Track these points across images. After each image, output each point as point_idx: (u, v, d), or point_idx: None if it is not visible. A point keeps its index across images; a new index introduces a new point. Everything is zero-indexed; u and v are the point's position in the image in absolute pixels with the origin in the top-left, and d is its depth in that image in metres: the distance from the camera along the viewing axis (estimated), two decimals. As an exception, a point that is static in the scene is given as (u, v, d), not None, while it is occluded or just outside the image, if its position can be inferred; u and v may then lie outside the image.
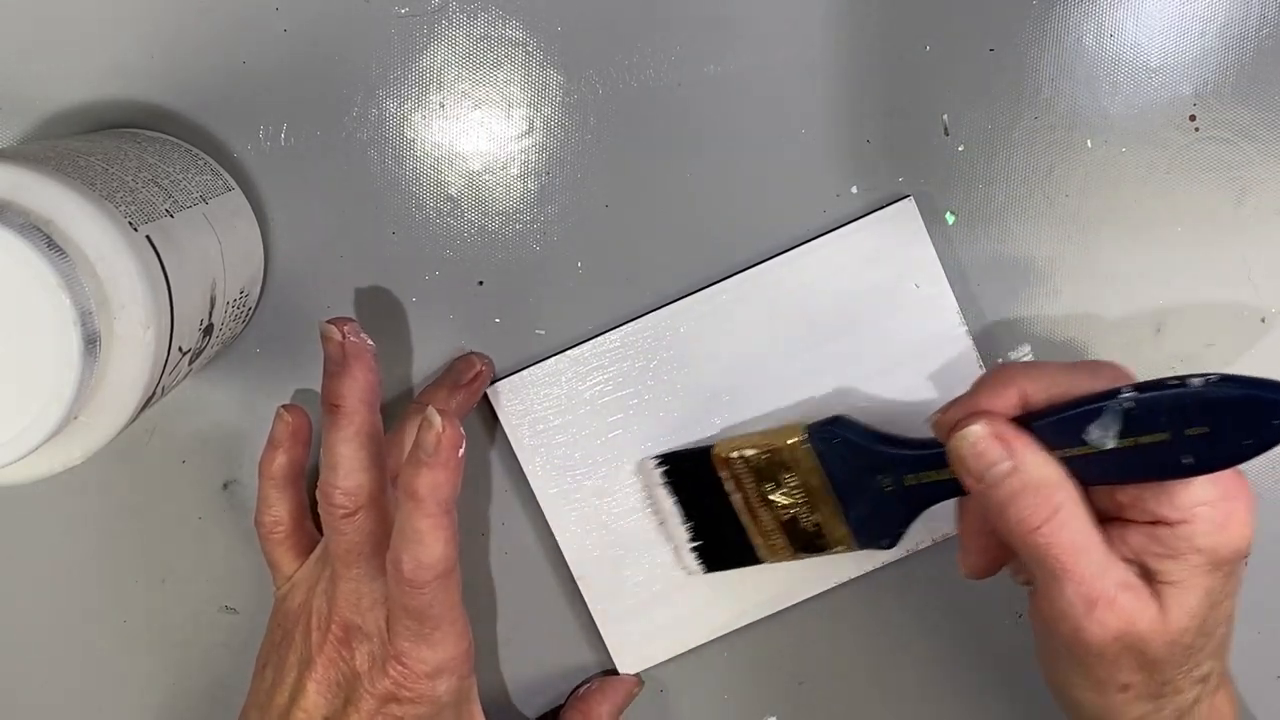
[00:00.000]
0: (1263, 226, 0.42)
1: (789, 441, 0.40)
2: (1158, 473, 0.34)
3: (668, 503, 0.42)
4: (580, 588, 0.44)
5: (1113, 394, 0.34)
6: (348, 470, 0.38)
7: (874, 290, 0.42)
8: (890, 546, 0.40)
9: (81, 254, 0.31)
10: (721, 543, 0.42)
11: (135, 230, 0.32)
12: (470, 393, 0.42)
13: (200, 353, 0.37)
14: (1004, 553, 0.38)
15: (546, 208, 0.43)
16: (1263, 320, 0.43)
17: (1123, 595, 0.34)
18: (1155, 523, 0.34)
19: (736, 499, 0.41)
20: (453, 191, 0.43)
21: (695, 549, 0.43)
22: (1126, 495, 0.35)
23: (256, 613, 0.45)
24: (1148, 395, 0.33)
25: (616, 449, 0.43)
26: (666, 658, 0.44)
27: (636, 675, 0.45)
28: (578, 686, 0.45)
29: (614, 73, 0.42)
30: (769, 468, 0.40)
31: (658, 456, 0.43)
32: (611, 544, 0.44)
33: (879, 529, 0.40)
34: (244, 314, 0.41)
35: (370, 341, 0.38)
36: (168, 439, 0.44)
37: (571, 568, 0.44)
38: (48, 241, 0.30)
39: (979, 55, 0.42)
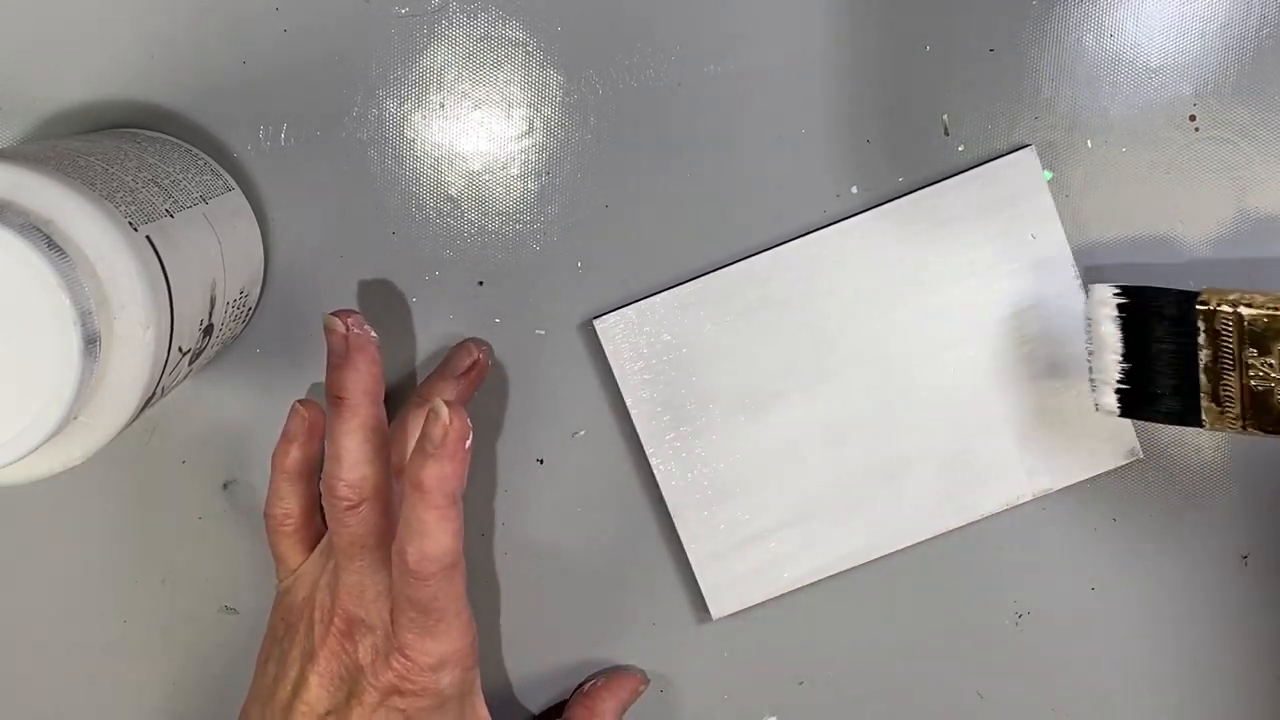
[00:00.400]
0: (1263, 227, 0.42)
1: None
2: None
3: (1113, 335, 0.40)
4: (676, 525, 0.43)
5: None
6: (352, 463, 0.38)
7: (991, 238, 0.42)
8: None
9: (81, 254, 0.31)
10: (1158, 393, 0.39)
11: (135, 230, 0.32)
12: (469, 382, 0.42)
13: (200, 353, 0.37)
14: None
15: (546, 208, 0.43)
16: (1263, 320, 0.43)
17: None
18: None
19: (1205, 354, 0.38)
20: (453, 191, 0.43)
21: (1121, 391, 0.40)
22: None
23: (256, 613, 0.45)
24: None
25: (721, 389, 0.43)
26: (762, 599, 0.44)
27: (641, 673, 0.45)
28: (583, 683, 0.45)
29: (614, 73, 0.42)
30: (1265, 333, 0.37)
31: (1120, 287, 0.40)
32: (709, 485, 0.43)
33: None
34: (244, 314, 0.41)
35: (374, 333, 0.39)
36: (168, 439, 0.44)
37: (669, 505, 0.43)
38: (48, 241, 0.30)
39: (979, 55, 0.42)
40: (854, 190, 0.42)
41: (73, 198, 0.31)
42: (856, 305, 0.42)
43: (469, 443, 0.36)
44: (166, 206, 0.35)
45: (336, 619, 0.38)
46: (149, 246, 0.32)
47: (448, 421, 0.35)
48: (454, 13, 0.41)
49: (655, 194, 0.42)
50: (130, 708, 0.46)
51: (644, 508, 0.44)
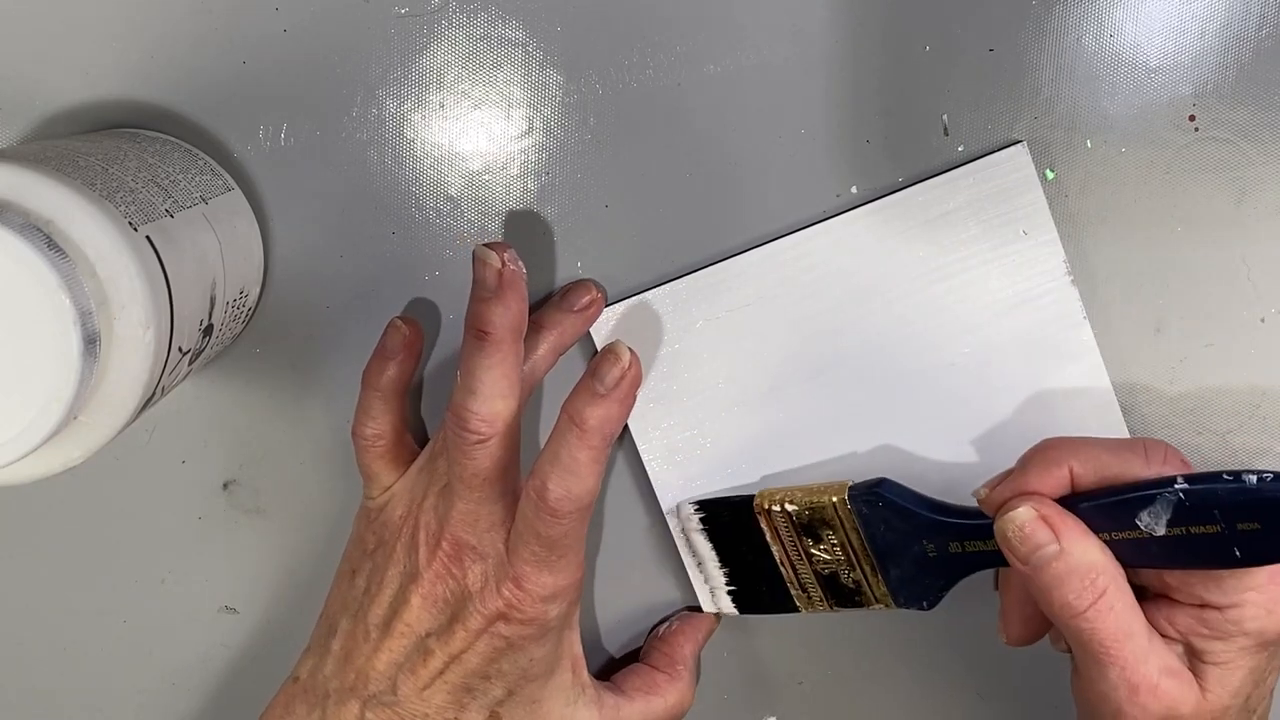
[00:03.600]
0: (1263, 226, 0.42)
1: (831, 500, 0.40)
2: (1206, 562, 0.34)
3: (705, 547, 0.43)
4: (668, 522, 0.44)
5: (1166, 482, 0.34)
6: (487, 396, 0.37)
7: (982, 235, 0.42)
8: (930, 608, 0.40)
9: (81, 254, 0.31)
10: (758, 589, 0.43)
11: (135, 230, 0.32)
12: (584, 319, 0.42)
13: (200, 353, 0.37)
14: (1045, 623, 0.39)
15: (546, 208, 0.43)
16: (1262, 320, 0.43)
17: (1165, 681, 0.34)
18: (1203, 606, 0.35)
19: (775, 550, 0.41)
20: (453, 191, 0.43)
21: (731, 592, 0.43)
22: (1174, 578, 0.35)
23: (256, 613, 0.45)
24: (1201, 488, 0.33)
25: (715, 385, 0.43)
26: None
27: (715, 613, 0.44)
28: (657, 625, 0.45)
29: (614, 73, 0.42)
30: (810, 523, 0.40)
31: (696, 502, 0.43)
32: (702, 480, 0.43)
33: (919, 591, 0.40)
34: (244, 314, 0.41)
35: (524, 270, 0.38)
36: (168, 439, 0.44)
37: (659, 502, 0.43)
38: (48, 242, 0.30)
39: (979, 55, 0.42)
40: (854, 190, 0.42)
41: (73, 198, 0.31)
42: (850, 301, 0.42)
43: (638, 391, 0.36)
44: (166, 206, 0.35)
45: (445, 543, 0.38)
46: (149, 246, 0.32)
47: (627, 366, 0.36)
48: (454, 13, 0.41)
49: (655, 194, 0.42)
50: (130, 708, 0.46)
51: (644, 507, 0.44)
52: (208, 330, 0.37)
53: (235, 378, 0.43)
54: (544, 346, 0.41)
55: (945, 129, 0.42)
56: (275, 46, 0.41)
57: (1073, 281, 0.42)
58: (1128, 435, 0.43)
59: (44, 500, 0.44)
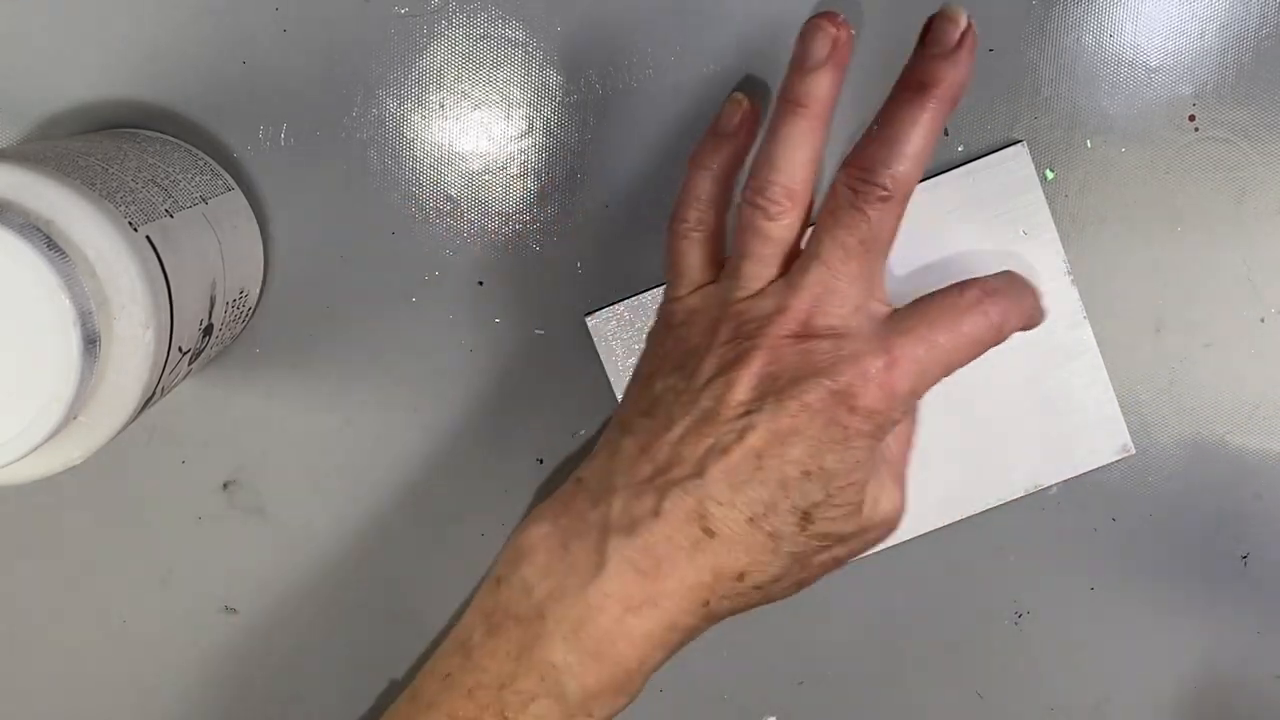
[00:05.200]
0: (1263, 226, 0.42)
1: None
2: None
3: None
4: None
5: None
6: (906, 153, 0.35)
7: (981, 233, 0.42)
8: None
9: (81, 254, 0.31)
10: None
11: (135, 230, 0.32)
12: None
13: (200, 353, 0.37)
14: None
15: (546, 208, 0.43)
16: (1262, 320, 0.43)
17: None
18: None
19: None
20: (453, 191, 0.43)
21: None
22: None
23: (257, 613, 0.45)
24: None
25: None
26: None
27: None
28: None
29: (614, 73, 0.42)
30: None
31: None
32: None
33: None
34: (244, 314, 0.41)
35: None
36: (168, 439, 0.44)
37: None
38: (48, 242, 0.30)
39: (979, 55, 0.41)
40: (854, 190, 0.42)
41: (72, 198, 0.31)
42: None
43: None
44: (166, 206, 0.35)
45: (789, 322, 0.35)
46: (149, 246, 0.32)
47: (964, 25, 0.34)
48: (453, 13, 0.41)
49: (655, 194, 0.42)
50: (130, 708, 0.46)
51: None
52: (208, 330, 0.37)
53: (235, 378, 0.43)
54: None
55: (945, 129, 0.42)
56: (275, 46, 0.41)
57: (1073, 281, 0.42)
58: (1127, 436, 0.43)
59: (44, 500, 0.44)
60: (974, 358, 0.36)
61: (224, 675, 0.45)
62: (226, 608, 0.45)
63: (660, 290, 0.42)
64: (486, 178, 0.43)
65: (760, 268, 0.36)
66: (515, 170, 0.42)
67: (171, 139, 0.41)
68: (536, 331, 0.43)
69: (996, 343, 0.36)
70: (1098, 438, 0.43)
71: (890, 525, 0.37)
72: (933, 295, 0.36)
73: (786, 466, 0.34)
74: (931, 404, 0.42)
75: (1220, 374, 0.43)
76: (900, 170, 0.34)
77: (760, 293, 0.36)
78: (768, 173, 0.36)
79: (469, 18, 0.41)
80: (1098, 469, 0.43)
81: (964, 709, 0.45)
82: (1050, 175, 0.42)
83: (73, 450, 0.33)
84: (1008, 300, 0.36)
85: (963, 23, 0.35)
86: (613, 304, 0.42)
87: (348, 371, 0.43)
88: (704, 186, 0.38)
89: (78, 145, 0.36)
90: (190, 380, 0.43)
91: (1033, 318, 0.37)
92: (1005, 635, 0.45)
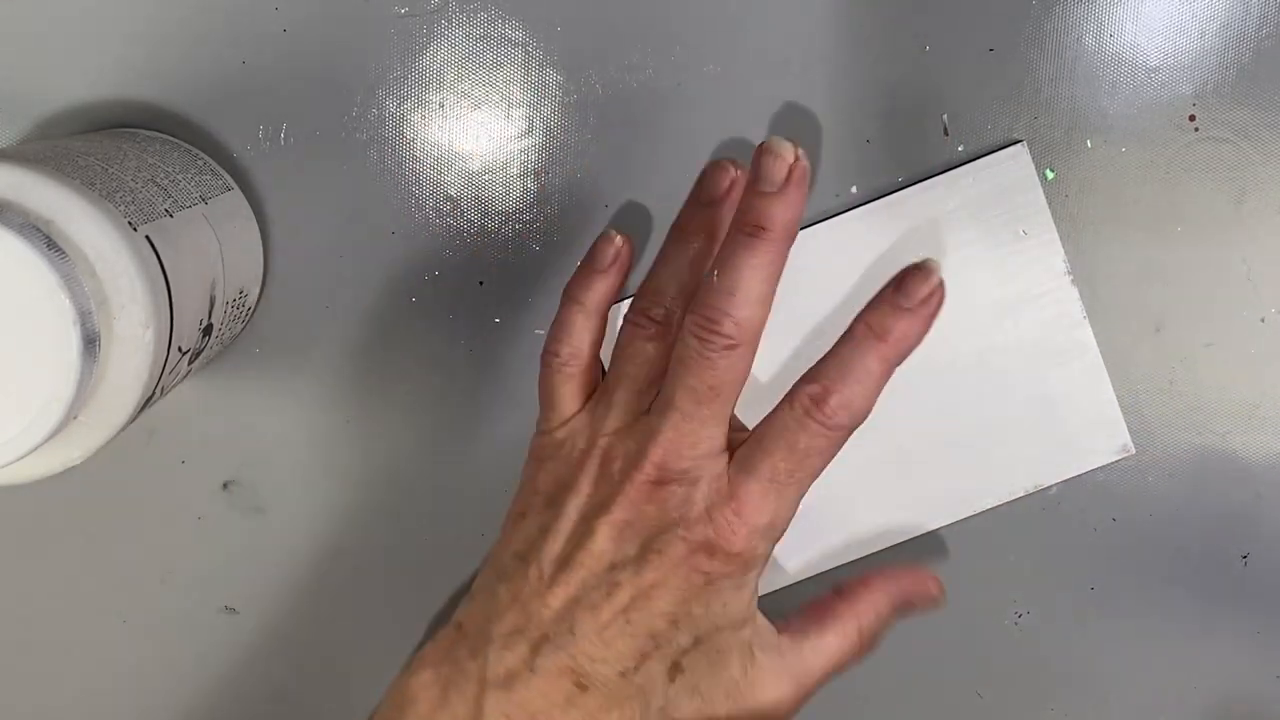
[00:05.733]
0: (1263, 226, 0.42)
1: None
2: None
3: None
4: None
5: None
6: (746, 299, 0.34)
7: (981, 233, 0.42)
8: None
9: (81, 254, 0.31)
10: None
11: (135, 230, 0.32)
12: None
13: (200, 353, 0.37)
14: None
15: (546, 208, 0.43)
16: (1262, 320, 0.43)
17: None
18: None
19: None
20: (453, 191, 0.43)
21: None
22: None
23: (256, 613, 0.45)
24: None
25: None
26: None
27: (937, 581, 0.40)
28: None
29: (614, 73, 0.42)
30: None
31: None
32: None
33: None
34: (243, 314, 0.41)
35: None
36: (168, 439, 0.44)
37: None
38: (48, 241, 0.30)
39: (979, 55, 0.42)
40: (854, 190, 0.42)
41: (72, 198, 0.31)
42: (849, 300, 0.42)
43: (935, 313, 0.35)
44: (166, 206, 0.35)
45: (646, 468, 0.35)
46: (149, 246, 0.32)
47: (936, 285, 0.34)
48: (453, 13, 0.41)
49: (655, 194, 0.42)
50: (130, 708, 0.46)
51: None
52: (208, 330, 0.37)
53: (235, 378, 0.43)
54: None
55: (945, 129, 0.42)
56: (275, 46, 0.41)
57: (1073, 281, 0.42)
58: (1127, 436, 0.43)
59: (44, 500, 0.44)
60: (830, 458, 0.36)
61: (224, 675, 0.45)
62: (226, 608, 0.45)
63: None
64: (486, 178, 0.43)
65: (635, 398, 0.37)
66: (515, 170, 0.42)
67: (171, 139, 0.41)
68: (536, 331, 0.43)
69: (847, 437, 0.36)
70: (1098, 438, 0.43)
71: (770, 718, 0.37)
72: (767, 417, 0.36)
73: (654, 619, 0.35)
74: (932, 404, 0.43)
75: (1220, 374, 0.43)
76: (742, 316, 0.35)
77: (627, 429, 0.37)
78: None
79: (469, 18, 0.41)
80: (1098, 469, 0.43)
81: (964, 709, 0.45)
82: (1050, 175, 0.42)
83: (73, 450, 0.33)
84: (839, 393, 0.35)
85: (789, 156, 0.34)
86: (617, 303, 0.42)
87: (348, 371, 0.43)
88: (576, 321, 0.39)
89: (78, 145, 0.36)
90: (190, 380, 0.43)
91: (869, 400, 0.36)
92: (1005, 635, 0.45)
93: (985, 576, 0.44)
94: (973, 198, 0.42)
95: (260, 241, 0.42)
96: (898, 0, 0.41)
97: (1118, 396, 0.43)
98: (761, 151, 0.35)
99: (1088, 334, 0.42)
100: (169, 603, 0.45)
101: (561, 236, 0.43)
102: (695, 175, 0.42)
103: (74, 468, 0.33)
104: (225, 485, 0.44)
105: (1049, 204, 0.42)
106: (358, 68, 0.41)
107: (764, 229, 0.35)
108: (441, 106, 0.42)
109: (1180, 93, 0.42)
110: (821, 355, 0.37)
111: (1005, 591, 0.44)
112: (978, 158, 0.42)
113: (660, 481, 0.35)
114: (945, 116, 0.42)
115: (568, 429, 0.38)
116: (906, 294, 0.34)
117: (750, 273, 0.35)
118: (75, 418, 0.32)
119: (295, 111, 0.42)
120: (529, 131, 0.42)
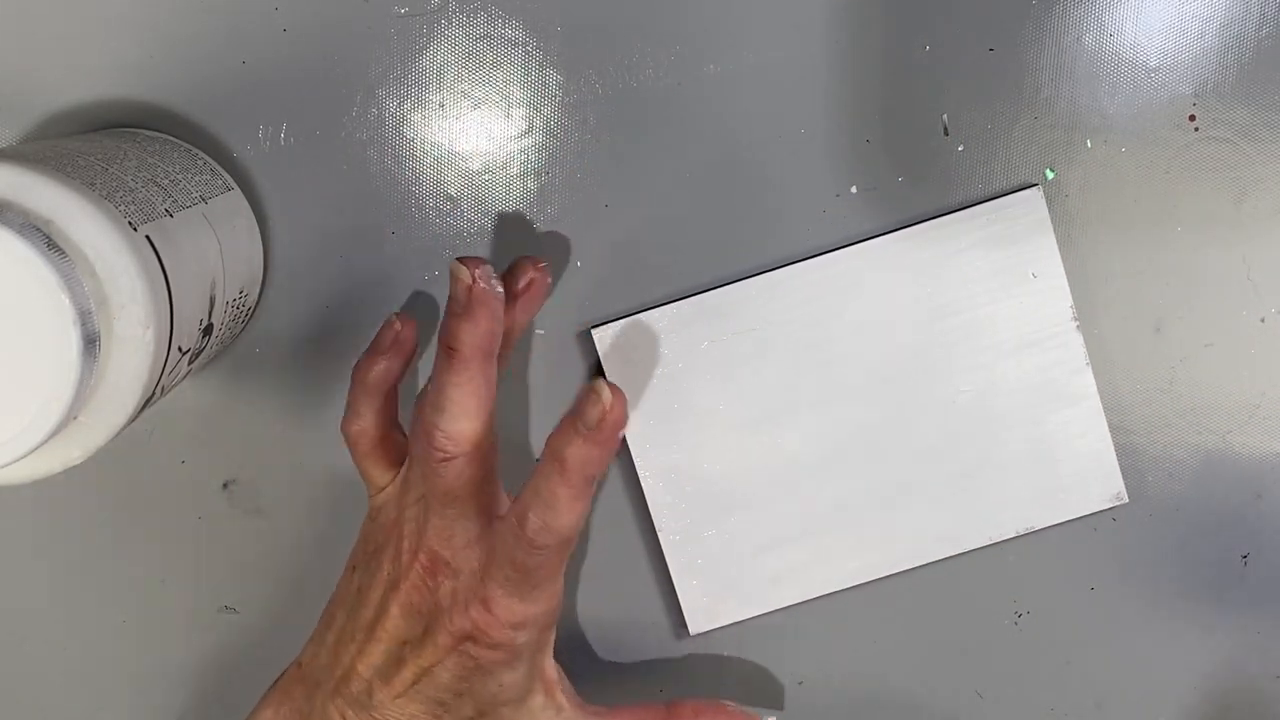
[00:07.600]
0: (1262, 226, 0.42)
1: None
2: None
3: None
4: (660, 540, 0.43)
5: None
6: (454, 415, 0.37)
7: (992, 275, 0.42)
8: None
9: (81, 254, 0.31)
10: None
11: (135, 230, 0.32)
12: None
13: (200, 353, 0.37)
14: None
15: (546, 208, 0.43)
16: (1262, 320, 0.43)
17: None
18: None
19: None
20: (453, 191, 0.43)
21: None
22: None
23: (256, 613, 0.45)
24: None
25: (717, 406, 0.43)
26: (735, 620, 0.44)
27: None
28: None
29: (614, 73, 0.42)
30: None
31: None
32: (698, 500, 0.43)
33: None
34: (243, 314, 0.41)
35: (500, 289, 0.38)
36: (168, 439, 0.44)
37: (654, 520, 0.43)
38: (47, 241, 0.30)
39: (979, 55, 0.42)
40: (853, 190, 0.42)
41: (72, 198, 0.31)
42: (855, 332, 0.42)
43: (623, 433, 0.36)
44: (166, 206, 0.35)
45: (421, 555, 0.38)
46: (149, 246, 0.32)
47: (608, 408, 0.35)
48: (453, 12, 0.41)
49: (655, 194, 0.42)
50: (130, 708, 0.46)
51: (637, 522, 0.44)
52: (208, 330, 0.37)
53: (235, 378, 0.43)
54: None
55: (945, 129, 0.42)
56: (275, 46, 0.41)
57: (1078, 327, 0.42)
58: (1121, 485, 0.43)
59: (44, 500, 0.44)
60: (561, 561, 0.37)
61: (224, 675, 0.45)
62: (226, 608, 0.45)
63: (667, 308, 0.42)
64: (486, 178, 0.43)
65: (429, 499, 0.39)
66: (515, 170, 0.42)
67: (171, 139, 0.41)
68: (537, 332, 0.43)
69: (567, 549, 0.37)
70: (1092, 484, 0.43)
71: None
72: (496, 526, 0.37)
73: (440, 692, 0.38)
74: (929, 440, 0.43)
75: (1220, 374, 0.43)
76: (453, 430, 0.37)
77: (414, 518, 0.38)
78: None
79: (469, 18, 0.41)
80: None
81: (964, 709, 0.45)
82: (1050, 175, 0.42)
83: (73, 450, 0.33)
84: (535, 518, 0.36)
85: (465, 279, 0.37)
86: (619, 318, 0.42)
87: (348, 371, 0.43)
88: (361, 401, 0.41)
89: (78, 145, 0.36)
90: (190, 380, 0.43)
91: (568, 519, 0.36)
92: (1005, 635, 0.45)
93: (985, 576, 0.44)
94: (985, 237, 0.42)
95: (260, 241, 0.42)
96: (898, 0, 0.41)
97: (1118, 397, 0.43)
98: (450, 272, 0.38)
99: (1089, 380, 0.42)
100: (169, 603, 0.45)
101: (561, 237, 0.43)
102: (695, 175, 0.42)
103: (74, 468, 0.33)
104: (225, 485, 0.44)
105: (1048, 203, 0.42)
106: (358, 68, 0.41)
107: (455, 349, 0.37)
108: (441, 106, 0.42)
109: (1180, 93, 0.42)
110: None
111: (1005, 591, 0.44)
112: (993, 198, 0.42)
113: (431, 570, 0.38)
114: (945, 116, 0.42)
115: (383, 496, 0.41)
116: (582, 418, 0.35)
117: (453, 390, 0.37)
118: (75, 418, 0.32)
119: (295, 111, 0.42)
120: (529, 131, 0.42)
